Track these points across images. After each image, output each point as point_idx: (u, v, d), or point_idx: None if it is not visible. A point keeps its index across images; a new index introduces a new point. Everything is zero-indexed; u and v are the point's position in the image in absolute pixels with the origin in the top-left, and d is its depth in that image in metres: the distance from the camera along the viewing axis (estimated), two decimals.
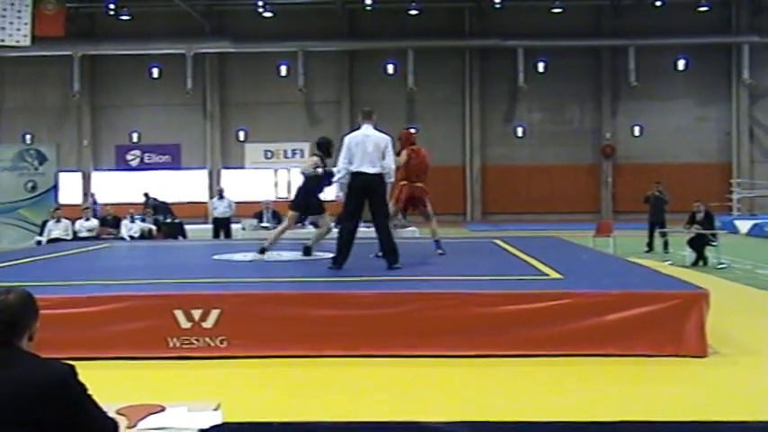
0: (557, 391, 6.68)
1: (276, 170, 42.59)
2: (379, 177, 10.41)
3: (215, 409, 4.49)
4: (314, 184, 12.01)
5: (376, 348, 7.69)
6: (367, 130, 10.57)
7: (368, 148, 10.35)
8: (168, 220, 24.32)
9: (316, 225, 12.99)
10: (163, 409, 4.37)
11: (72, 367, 3.53)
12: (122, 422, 4.01)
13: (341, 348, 7.71)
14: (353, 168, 10.34)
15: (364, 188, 10.39)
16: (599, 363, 7.50)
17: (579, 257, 12.62)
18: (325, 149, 11.97)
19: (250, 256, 12.41)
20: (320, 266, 10.63)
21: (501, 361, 7.52)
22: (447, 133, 41.23)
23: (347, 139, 10.58)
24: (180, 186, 41.46)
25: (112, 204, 25.44)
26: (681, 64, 40.83)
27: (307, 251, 12.29)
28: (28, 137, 40.68)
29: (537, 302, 7.87)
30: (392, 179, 10.89)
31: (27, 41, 22.80)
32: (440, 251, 12.39)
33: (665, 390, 6.79)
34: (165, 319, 7.88)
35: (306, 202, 12.19)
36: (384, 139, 10.51)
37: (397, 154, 11.99)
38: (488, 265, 11.00)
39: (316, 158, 11.98)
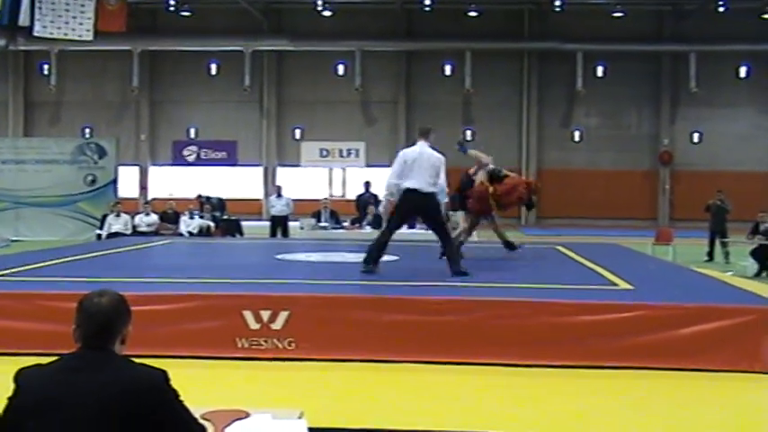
0: (630, 405, 6.57)
1: (331, 169, 42.69)
2: (433, 196, 10.26)
3: (299, 417, 4.46)
4: None
5: (446, 355, 7.60)
6: (423, 147, 10.34)
7: (423, 165, 10.14)
8: (225, 217, 24.44)
9: None
10: (247, 416, 4.34)
11: (165, 372, 3.52)
12: (208, 427, 3.98)
13: (409, 354, 7.63)
14: (407, 185, 10.10)
15: (416, 206, 10.30)
16: (671, 376, 7.37)
17: (646, 266, 12.46)
18: None
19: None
20: (390, 269, 10.50)
21: (572, 372, 7.41)
22: (503, 136, 40.71)
23: (402, 153, 10.43)
24: (235, 183, 41.71)
25: (168, 199, 25.54)
26: (743, 71, 40.16)
27: None
28: (87, 131, 41.22)
29: (610, 313, 7.73)
30: (446, 199, 10.90)
31: (90, 37, 22.96)
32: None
33: (740, 406, 6.69)
34: (233, 319, 7.88)
35: None
36: (439, 159, 10.30)
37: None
38: (555, 273, 10.88)
39: None
